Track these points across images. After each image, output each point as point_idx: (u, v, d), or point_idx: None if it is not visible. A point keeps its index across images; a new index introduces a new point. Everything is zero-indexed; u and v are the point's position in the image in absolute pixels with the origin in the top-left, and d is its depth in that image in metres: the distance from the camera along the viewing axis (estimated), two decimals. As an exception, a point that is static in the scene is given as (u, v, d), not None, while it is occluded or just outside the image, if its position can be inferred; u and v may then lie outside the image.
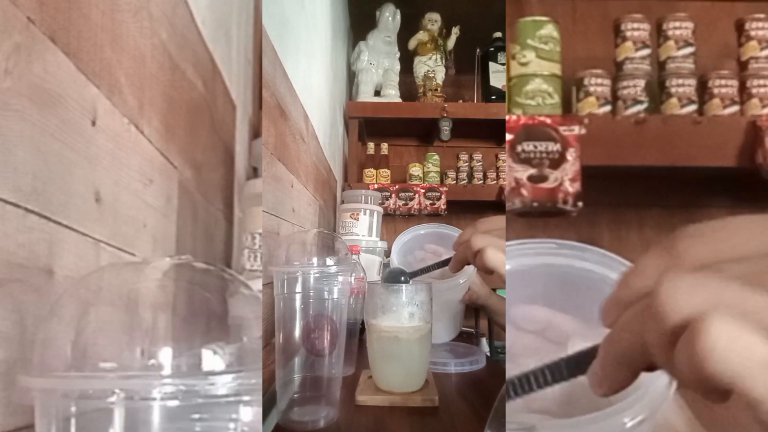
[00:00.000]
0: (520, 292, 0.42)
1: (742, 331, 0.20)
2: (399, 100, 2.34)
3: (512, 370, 0.31)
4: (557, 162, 0.92)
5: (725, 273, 0.22)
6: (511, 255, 0.42)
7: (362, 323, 1.04)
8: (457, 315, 1.20)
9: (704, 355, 0.20)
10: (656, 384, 0.31)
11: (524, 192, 0.92)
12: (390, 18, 2.39)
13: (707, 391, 0.21)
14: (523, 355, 0.40)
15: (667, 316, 0.22)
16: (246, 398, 0.30)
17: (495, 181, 2.41)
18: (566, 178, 0.92)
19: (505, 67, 2.27)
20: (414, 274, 0.85)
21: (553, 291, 0.42)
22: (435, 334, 1.13)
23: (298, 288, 0.69)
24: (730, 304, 0.21)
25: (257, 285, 0.78)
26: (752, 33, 1.04)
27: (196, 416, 0.29)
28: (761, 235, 0.23)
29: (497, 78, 2.47)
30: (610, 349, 0.25)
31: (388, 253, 2.02)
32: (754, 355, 0.20)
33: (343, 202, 1.69)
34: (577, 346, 0.39)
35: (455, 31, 2.46)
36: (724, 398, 0.21)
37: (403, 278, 0.83)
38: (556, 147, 0.92)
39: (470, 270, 1.08)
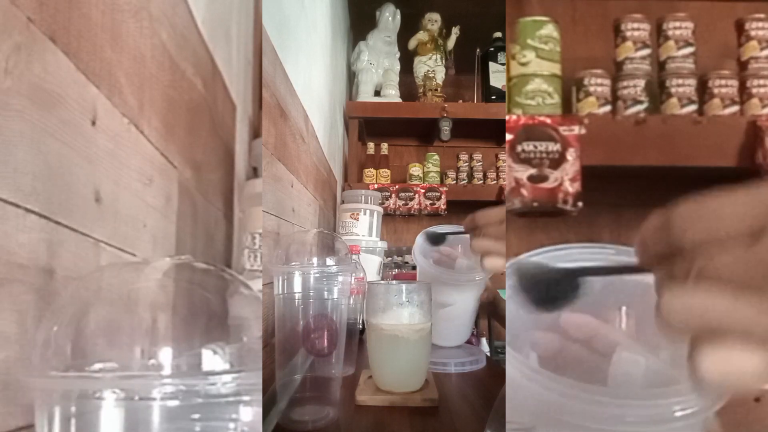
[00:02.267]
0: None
1: (731, 353, 0.24)
2: (399, 100, 2.34)
3: (556, 381, 0.31)
4: (557, 162, 0.92)
5: (717, 273, 0.25)
6: (565, 259, 0.41)
7: (362, 323, 1.04)
8: (472, 316, 1.18)
9: (707, 378, 0.25)
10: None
11: (524, 192, 0.92)
12: (390, 18, 2.39)
13: None
14: (566, 366, 0.39)
15: (670, 327, 0.26)
16: (246, 398, 0.30)
17: (495, 181, 2.41)
18: (566, 178, 0.92)
19: (505, 67, 2.27)
20: (449, 233, 0.94)
21: (605, 300, 0.41)
22: (449, 337, 1.12)
23: (298, 288, 0.69)
24: (720, 321, 0.25)
25: (257, 285, 0.78)
26: (752, 33, 1.04)
27: (196, 416, 0.29)
28: (748, 212, 0.25)
29: (497, 78, 2.47)
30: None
31: (388, 253, 2.02)
32: (745, 367, 0.24)
33: (343, 202, 1.69)
34: (622, 358, 0.38)
35: (455, 31, 2.46)
36: None
37: (439, 233, 0.94)
38: (556, 147, 0.92)
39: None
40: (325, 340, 0.68)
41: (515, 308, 0.41)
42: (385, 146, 2.41)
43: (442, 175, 2.43)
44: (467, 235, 1.11)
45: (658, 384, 0.37)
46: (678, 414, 0.30)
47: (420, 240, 1.06)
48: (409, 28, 2.42)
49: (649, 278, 0.39)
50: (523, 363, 0.33)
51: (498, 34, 2.51)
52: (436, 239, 0.98)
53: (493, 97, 2.44)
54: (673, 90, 1.01)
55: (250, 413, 0.31)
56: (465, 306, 1.11)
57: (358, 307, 1.03)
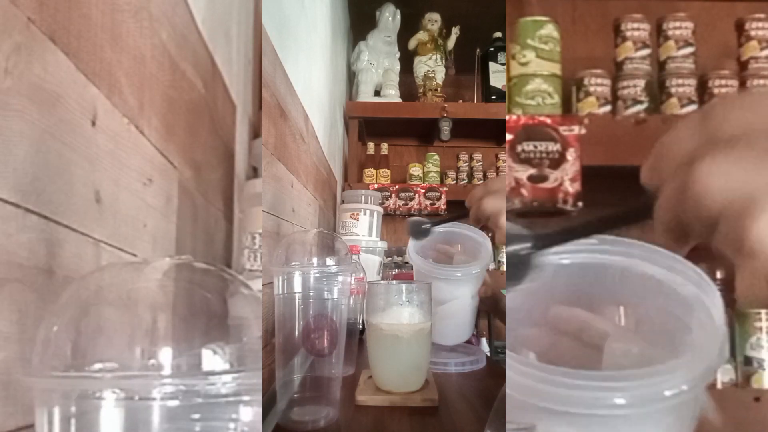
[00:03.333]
0: (558, 290, 0.40)
1: None
2: (399, 100, 2.33)
3: (546, 376, 0.30)
4: (557, 162, 0.92)
5: (756, 148, 0.23)
6: (549, 251, 0.41)
7: (362, 323, 1.04)
8: (472, 313, 1.16)
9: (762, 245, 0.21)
10: (699, 358, 0.31)
11: (524, 192, 0.92)
12: (390, 18, 2.39)
13: None
14: (560, 360, 0.38)
15: (705, 204, 0.23)
16: (246, 398, 0.30)
17: (495, 181, 2.40)
18: (566, 178, 0.92)
19: (505, 67, 2.27)
20: (435, 224, 0.94)
21: (592, 290, 0.40)
22: (449, 335, 1.11)
23: (298, 288, 0.69)
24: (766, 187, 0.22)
25: (257, 285, 0.78)
26: (752, 33, 1.04)
27: (196, 416, 0.29)
28: None
29: (497, 78, 2.47)
30: (658, 218, 0.26)
31: (388, 253, 2.02)
32: None
33: (343, 202, 1.69)
34: (614, 348, 0.38)
35: (455, 31, 2.46)
36: None
37: (424, 227, 0.93)
38: (556, 147, 0.92)
39: (484, 261, 1.07)
40: (325, 340, 0.68)
41: (513, 304, 0.41)
42: (385, 146, 2.41)
43: (442, 175, 2.43)
44: (466, 233, 1.11)
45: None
46: (667, 393, 0.30)
47: (411, 240, 1.06)
48: (409, 28, 2.42)
49: (640, 266, 0.39)
50: (516, 359, 0.33)
51: (498, 34, 2.51)
52: (421, 233, 0.98)
53: (493, 97, 2.44)
54: (673, 90, 1.02)
55: (250, 413, 0.30)
56: (463, 302, 1.10)
57: (358, 307, 1.03)
